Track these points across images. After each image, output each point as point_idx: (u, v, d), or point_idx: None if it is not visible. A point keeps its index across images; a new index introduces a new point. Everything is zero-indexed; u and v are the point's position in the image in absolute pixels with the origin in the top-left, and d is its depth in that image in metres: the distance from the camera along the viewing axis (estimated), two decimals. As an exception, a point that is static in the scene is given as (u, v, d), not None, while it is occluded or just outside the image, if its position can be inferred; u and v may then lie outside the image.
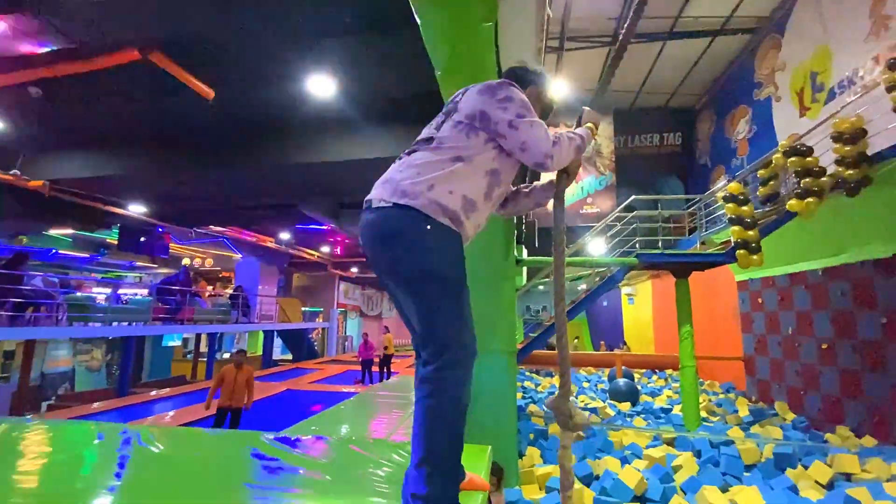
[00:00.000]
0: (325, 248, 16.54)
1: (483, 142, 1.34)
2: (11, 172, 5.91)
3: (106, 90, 4.96)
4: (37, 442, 1.83)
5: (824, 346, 6.72)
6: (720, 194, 6.14)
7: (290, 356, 16.53)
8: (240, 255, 16.18)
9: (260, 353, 15.81)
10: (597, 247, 8.92)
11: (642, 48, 9.82)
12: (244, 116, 6.32)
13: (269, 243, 14.88)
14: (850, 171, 4.99)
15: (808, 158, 5.34)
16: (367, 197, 1.35)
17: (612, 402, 8.16)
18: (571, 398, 1.34)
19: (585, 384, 10.23)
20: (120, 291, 10.49)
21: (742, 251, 5.62)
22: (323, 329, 18.49)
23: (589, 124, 1.55)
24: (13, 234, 11.17)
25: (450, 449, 1.19)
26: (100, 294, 10.67)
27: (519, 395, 9.00)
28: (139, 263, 16.69)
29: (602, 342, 15.46)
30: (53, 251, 13.97)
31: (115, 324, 9.22)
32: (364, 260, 16.61)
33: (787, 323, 7.61)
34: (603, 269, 7.02)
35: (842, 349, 6.40)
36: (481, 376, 4.55)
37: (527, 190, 1.60)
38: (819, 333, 6.84)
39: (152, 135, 5.90)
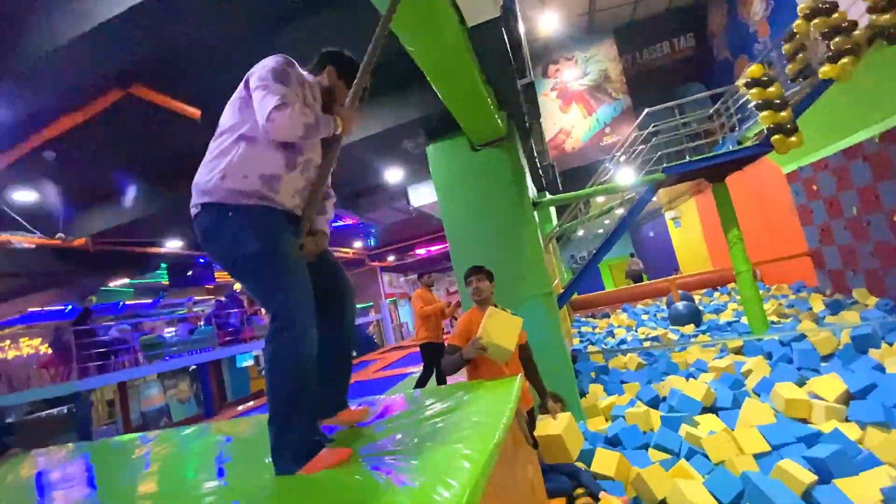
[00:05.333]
0: (358, 244, 16.74)
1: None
2: (57, 236, 6.36)
3: (107, 138, 5.07)
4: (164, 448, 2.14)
5: (896, 218, 6.12)
6: (741, 82, 5.64)
7: (352, 353, 17.14)
8: (283, 269, 16.74)
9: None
10: (626, 176, 8.51)
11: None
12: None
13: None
14: (887, 16, 4.43)
15: (834, 15, 4.77)
16: None
17: (674, 327, 7.89)
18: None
19: (644, 317, 9.91)
20: (167, 332, 11.25)
21: (777, 136, 5.16)
22: (377, 321, 19.02)
23: (337, 118, 1.42)
24: (83, 296, 12.15)
25: (287, 405, 1.25)
26: (170, 332, 11.47)
27: (576, 340, 8.90)
28: (198, 298, 17.77)
29: (645, 275, 14.88)
30: (121, 304, 15.16)
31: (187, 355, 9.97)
32: (399, 247, 16.73)
33: (850, 203, 6.98)
34: (632, 196, 6.70)
35: (917, 216, 5.81)
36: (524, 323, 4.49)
37: None
38: (888, 204, 6.23)
39: (160, 168, 6.04)
